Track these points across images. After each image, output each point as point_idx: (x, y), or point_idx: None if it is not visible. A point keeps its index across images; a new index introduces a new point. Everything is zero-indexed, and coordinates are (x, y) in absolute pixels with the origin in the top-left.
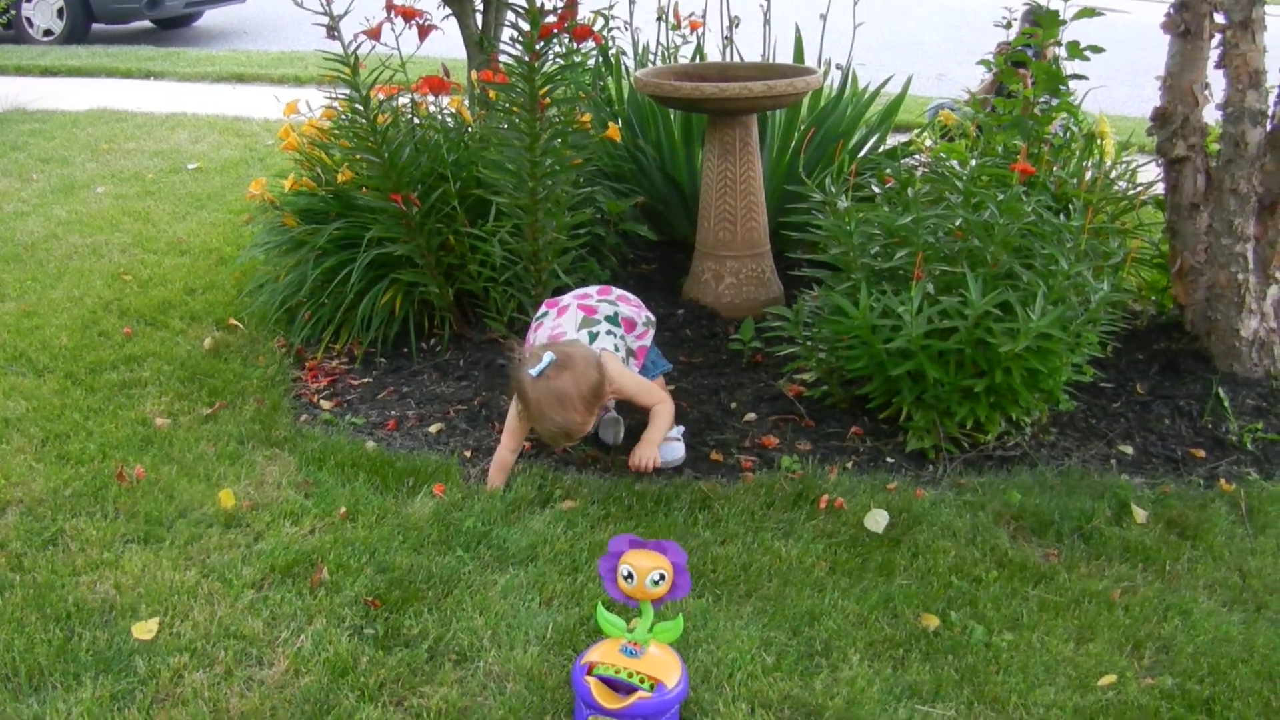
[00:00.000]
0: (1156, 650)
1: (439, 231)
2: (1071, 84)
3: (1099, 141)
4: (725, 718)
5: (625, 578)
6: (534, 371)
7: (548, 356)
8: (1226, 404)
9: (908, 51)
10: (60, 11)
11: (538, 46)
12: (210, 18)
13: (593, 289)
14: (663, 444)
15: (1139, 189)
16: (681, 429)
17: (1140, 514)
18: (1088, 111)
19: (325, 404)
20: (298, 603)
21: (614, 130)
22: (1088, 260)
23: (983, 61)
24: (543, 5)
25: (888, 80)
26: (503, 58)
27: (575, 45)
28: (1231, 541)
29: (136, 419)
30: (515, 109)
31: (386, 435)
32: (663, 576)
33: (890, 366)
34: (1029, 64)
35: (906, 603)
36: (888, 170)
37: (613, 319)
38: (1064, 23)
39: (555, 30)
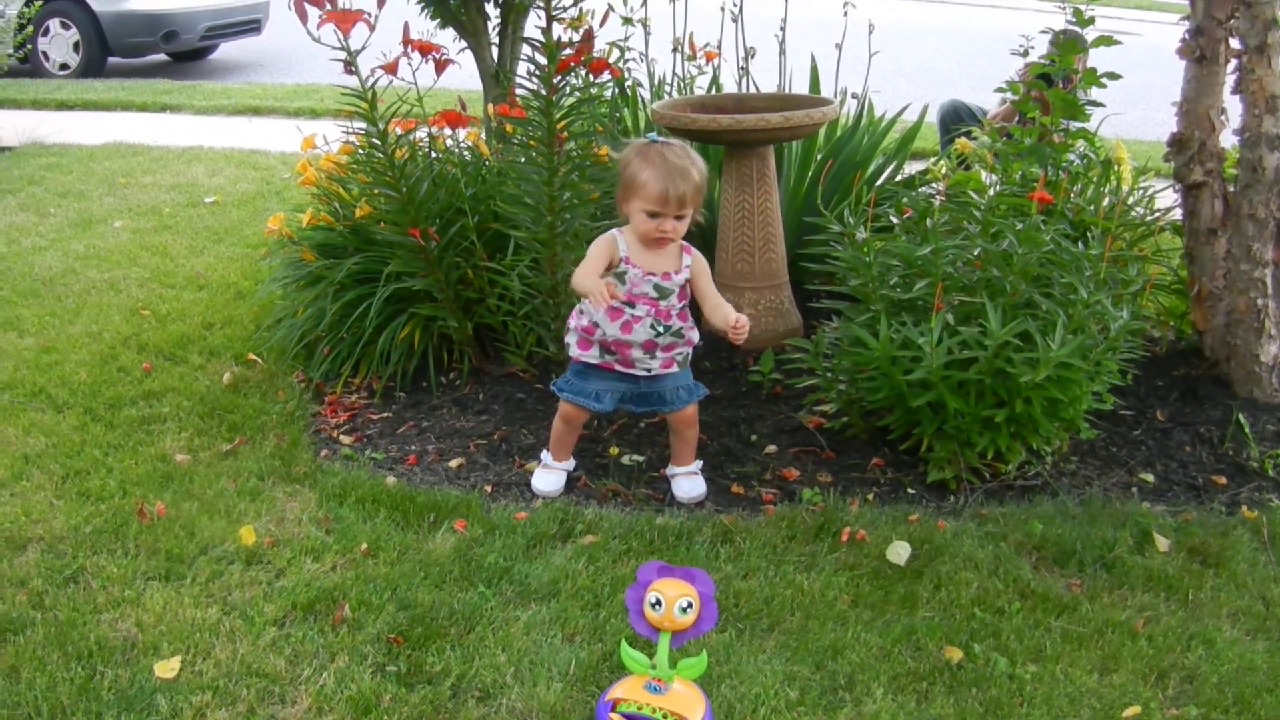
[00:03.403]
0: (1181, 680)
1: (457, 266)
2: (1088, 110)
3: (1116, 168)
4: None
5: (653, 605)
6: (654, 136)
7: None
8: (1247, 429)
9: (923, 78)
10: (76, 45)
11: (555, 80)
12: (226, 51)
13: None
14: (684, 480)
15: (1157, 215)
16: (700, 464)
17: (1162, 542)
18: (1104, 137)
19: (345, 439)
20: (320, 640)
21: None
22: (1107, 288)
23: (1008, 86)
24: (559, 38)
25: (904, 109)
26: (520, 91)
27: (592, 78)
28: (1254, 569)
29: (156, 455)
30: (533, 143)
31: (407, 470)
32: (690, 604)
33: (910, 398)
34: (1047, 90)
35: (929, 635)
36: (905, 200)
37: None
38: (1085, 49)
39: (572, 63)
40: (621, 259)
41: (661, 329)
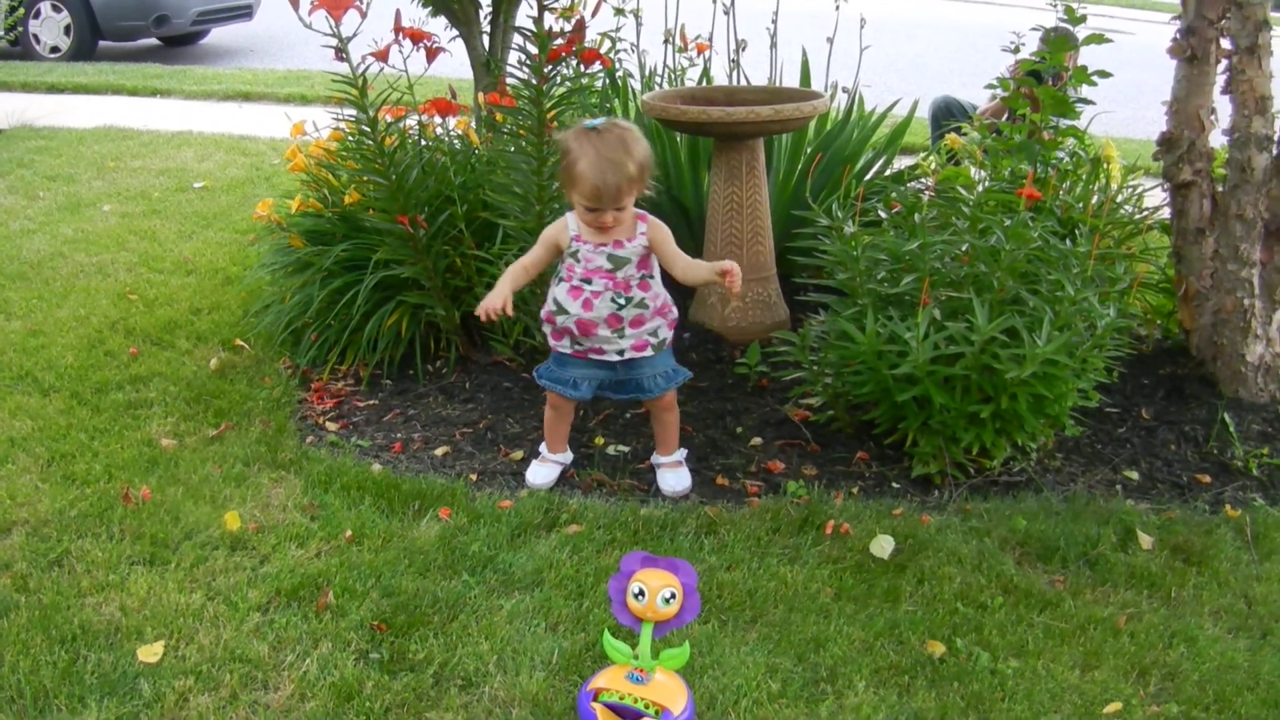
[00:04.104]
0: (1162, 678)
1: (446, 254)
2: (1078, 108)
3: (1105, 166)
4: None
5: (636, 595)
6: (593, 123)
7: (601, 119)
8: (1232, 429)
9: (913, 74)
10: (67, 29)
11: (545, 70)
12: (217, 36)
13: None
14: (669, 472)
15: (1145, 213)
16: (684, 452)
17: (1146, 540)
18: (1093, 135)
19: (331, 426)
20: (303, 626)
21: None
22: (1094, 285)
23: (998, 82)
24: (550, 28)
25: (895, 103)
26: (510, 80)
27: (583, 68)
28: (1237, 568)
29: (142, 440)
30: (522, 132)
31: (392, 458)
32: (673, 595)
33: (896, 392)
34: (1036, 88)
35: (912, 629)
36: (894, 195)
37: None
38: (1075, 47)
39: (563, 53)
40: (572, 238)
41: (623, 300)
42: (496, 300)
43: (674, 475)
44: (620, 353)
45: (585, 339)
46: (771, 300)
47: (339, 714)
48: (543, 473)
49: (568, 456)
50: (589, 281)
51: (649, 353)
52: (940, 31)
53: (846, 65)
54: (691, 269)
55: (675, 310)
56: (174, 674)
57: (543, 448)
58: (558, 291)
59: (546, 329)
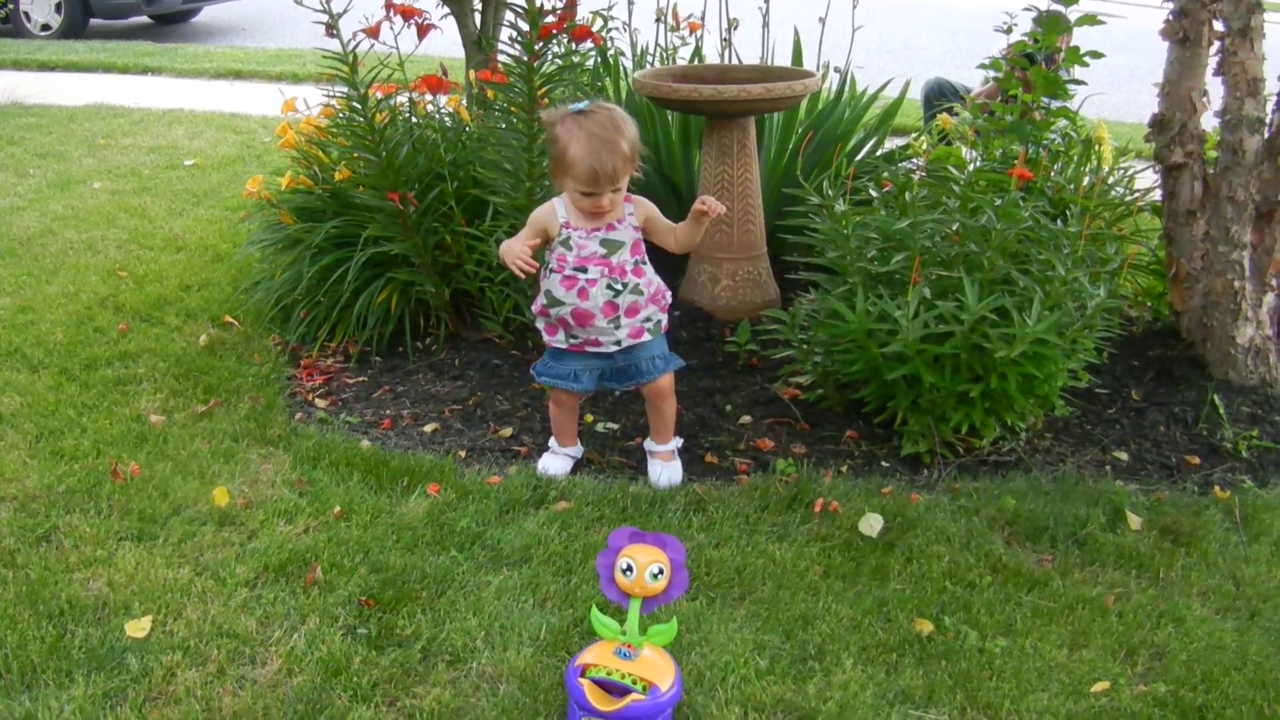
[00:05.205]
0: (1150, 657)
1: (436, 231)
2: (1070, 89)
3: (1097, 147)
4: None
5: (624, 570)
6: (578, 106)
7: (585, 101)
8: (1221, 411)
9: (906, 55)
10: (58, 6)
11: (536, 47)
12: (208, 14)
13: None
14: (660, 463)
15: (1136, 195)
16: (679, 441)
17: (1134, 520)
18: (1085, 117)
19: (320, 402)
20: (291, 602)
21: None
22: (1084, 266)
23: (991, 63)
24: (542, 5)
25: (886, 84)
26: (501, 57)
27: (574, 46)
28: (1225, 549)
29: (131, 416)
30: (513, 109)
31: (381, 434)
32: (661, 570)
33: (886, 371)
34: (1029, 68)
35: (900, 607)
36: (885, 174)
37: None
38: (1068, 28)
39: (554, 31)
40: (562, 225)
41: (619, 286)
42: (517, 257)
43: (665, 467)
44: (618, 343)
45: (582, 330)
46: (761, 279)
47: (326, 689)
48: (555, 462)
49: (578, 450)
50: (583, 270)
51: (646, 338)
52: (934, 14)
53: (839, 46)
54: (682, 231)
55: (669, 294)
56: (161, 649)
57: (552, 442)
58: (549, 284)
59: (540, 323)
